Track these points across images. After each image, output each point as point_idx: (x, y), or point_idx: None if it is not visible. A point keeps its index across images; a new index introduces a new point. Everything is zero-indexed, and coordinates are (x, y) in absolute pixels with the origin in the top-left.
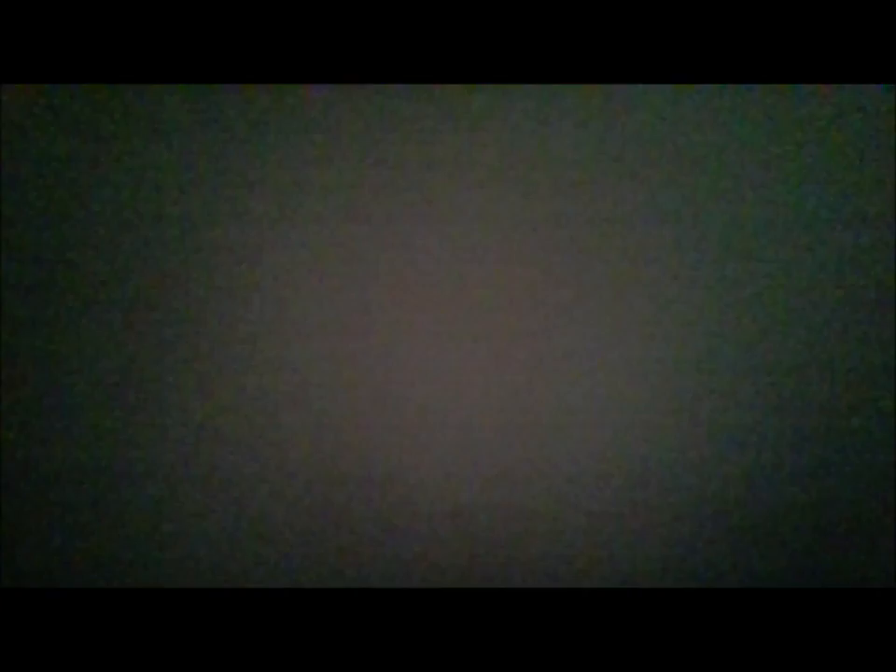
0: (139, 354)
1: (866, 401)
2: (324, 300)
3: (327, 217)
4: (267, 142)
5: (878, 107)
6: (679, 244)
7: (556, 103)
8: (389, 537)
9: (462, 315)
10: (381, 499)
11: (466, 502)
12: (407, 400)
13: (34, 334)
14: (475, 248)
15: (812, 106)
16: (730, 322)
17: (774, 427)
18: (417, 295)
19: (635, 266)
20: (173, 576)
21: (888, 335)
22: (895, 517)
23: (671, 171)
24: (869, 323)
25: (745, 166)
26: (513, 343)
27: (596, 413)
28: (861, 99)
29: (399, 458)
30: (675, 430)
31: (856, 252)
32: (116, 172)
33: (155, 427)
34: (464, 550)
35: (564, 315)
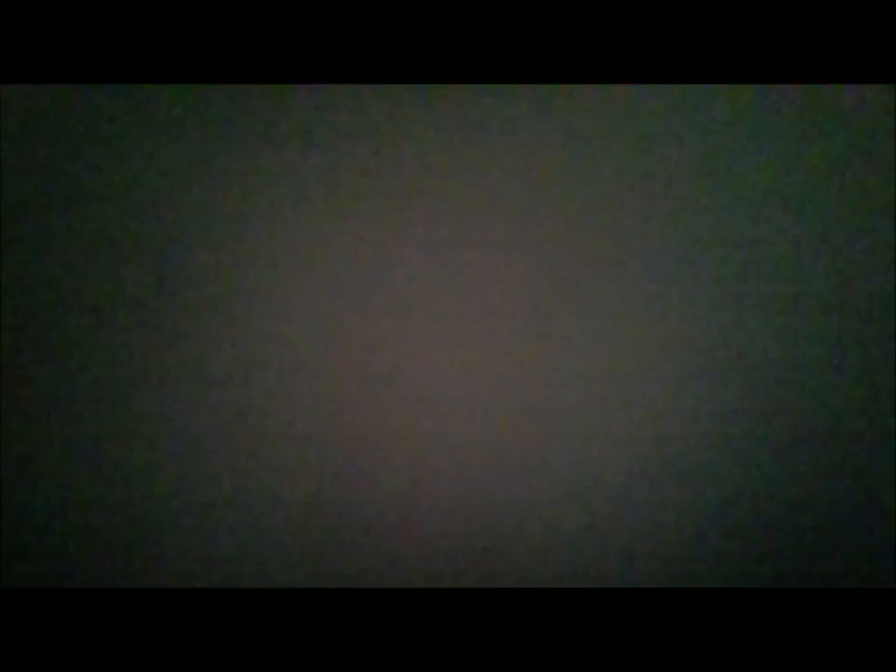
0: (139, 353)
1: (866, 402)
2: (324, 297)
3: (327, 217)
4: (267, 142)
5: (878, 107)
6: (678, 243)
7: (556, 103)
8: (389, 537)
9: (463, 314)
10: (381, 499)
11: (465, 502)
12: (407, 399)
13: (34, 334)
14: (476, 246)
15: (812, 106)
16: (730, 322)
17: (774, 428)
18: (418, 293)
19: (636, 266)
20: (173, 576)
21: (888, 335)
22: (895, 517)
23: (671, 171)
24: (869, 323)
25: (745, 166)
26: (514, 342)
27: (597, 412)
28: (861, 99)
29: (399, 459)
30: (675, 430)
31: (856, 252)
32: (116, 172)
33: (155, 426)
34: (464, 549)
35: (565, 314)
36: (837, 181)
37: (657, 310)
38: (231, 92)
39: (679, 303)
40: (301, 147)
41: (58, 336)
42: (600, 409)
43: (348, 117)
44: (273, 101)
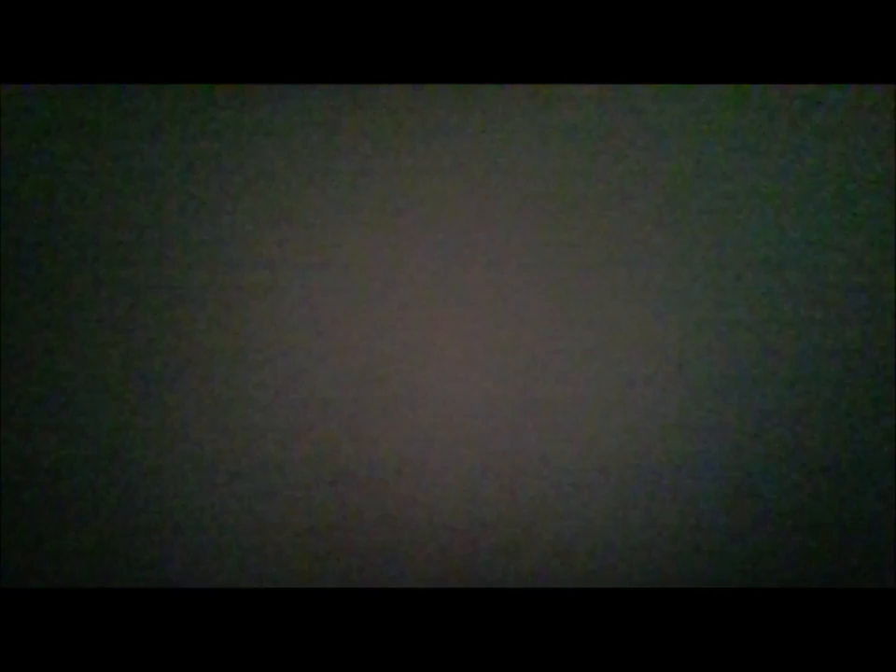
0: (139, 353)
1: (866, 401)
2: (326, 298)
3: (327, 217)
4: (267, 142)
5: (878, 107)
6: (678, 243)
7: (556, 103)
8: (389, 537)
9: (465, 314)
10: (382, 499)
11: (466, 503)
12: (408, 399)
13: (34, 334)
14: (477, 247)
15: (812, 106)
16: (730, 322)
17: (774, 427)
18: (421, 295)
19: (635, 266)
20: (173, 576)
21: (888, 335)
22: (895, 517)
23: (670, 171)
24: (869, 323)
25: (745, 166)
26: (516, 343)
27: (598, 413)
28: (861, 99)
29: (398, 459)
30: (675, 430)
31: (856, 252)
32: (116, 172)
33: (155, 426)
34: (464, 550)
35: (567, 314)
36: (837, 181)
37: (657, 311)
38: (231, 92)
39: (679, 304)
40: (301, 146)
41: (57, 335)
42: (602, 411)
43: (348, 117)
44: (273, 101)
